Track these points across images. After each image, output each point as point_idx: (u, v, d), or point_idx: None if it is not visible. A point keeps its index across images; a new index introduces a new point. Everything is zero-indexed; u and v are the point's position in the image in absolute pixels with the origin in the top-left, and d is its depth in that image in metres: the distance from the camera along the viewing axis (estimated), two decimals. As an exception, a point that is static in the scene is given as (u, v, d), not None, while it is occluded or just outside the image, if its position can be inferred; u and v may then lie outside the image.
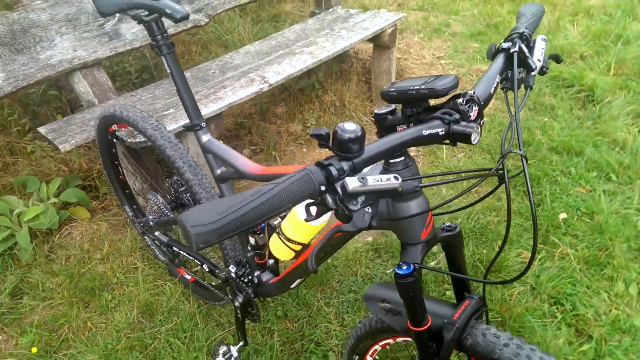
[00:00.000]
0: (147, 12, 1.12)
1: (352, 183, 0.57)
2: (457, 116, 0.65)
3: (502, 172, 0.64)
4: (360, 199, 0.59)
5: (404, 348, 1.57)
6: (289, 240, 1.12)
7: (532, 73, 0.76)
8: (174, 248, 1.63)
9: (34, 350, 1.68)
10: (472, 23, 4.11)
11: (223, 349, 1.51)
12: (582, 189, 2.24)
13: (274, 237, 1.18)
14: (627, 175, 2.26)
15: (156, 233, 1.67)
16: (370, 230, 0.86)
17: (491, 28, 3.96)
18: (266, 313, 1.78)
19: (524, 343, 0.81)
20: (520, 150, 0.62)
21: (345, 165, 0.58)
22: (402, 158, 0.74)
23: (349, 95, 2.95)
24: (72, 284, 1.89)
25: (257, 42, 2.68)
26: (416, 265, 0.79)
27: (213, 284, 1.72)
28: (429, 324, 0.84)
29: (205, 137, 1.26)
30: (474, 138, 0.62)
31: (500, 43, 0.79)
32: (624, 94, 2.84)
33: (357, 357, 1.17)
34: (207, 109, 1.97)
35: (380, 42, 2.83)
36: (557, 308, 1.72)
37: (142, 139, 1.76)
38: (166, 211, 1.64)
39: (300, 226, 1.07)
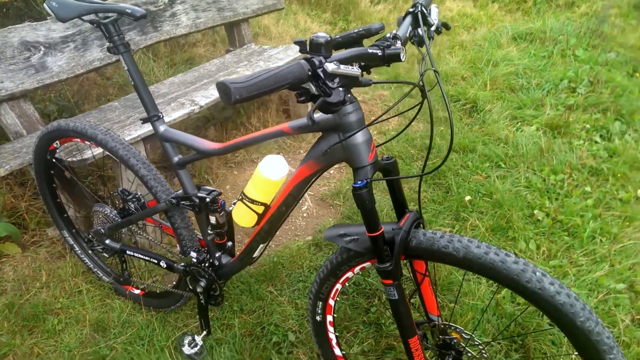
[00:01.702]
0: (104, 16, 1.26)
1: (330, 66, 0.78)
2: (388, 44, 0.90)
3: (422, 85, 0.89)
4: (336, 81, 0.80)
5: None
6: (253, 202, 1.27)
7: (432, 28, 1.05)
8: (128, 252, 1.67)
9: (-25, 385, 1.58)
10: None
11: (188, 339, 1.57)
12: (479, 177, 2.64)
13: (238, 205, 1.32)
14: (512, 162, 2.72)
15: (107, 242, 1.70)
16: (333, 163, 1.06)
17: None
18: (222, 311, 1.85)
19: (454, 236, 1.04)
20: (432, 67, 0.87)
21: (322, 59, 0.80)
22: None
23: (271, 122, 3.18)
24: (12, 314, 1.81)
25: (180, 74, 2.84)
26: (368, 179, 1.00)
27: (168, 288, 1.77)
28: (382, 230, 1.04)
29: (163, 127, 1.39)
30: (402, 56, 0.87)
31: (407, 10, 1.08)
32: (500, 103, 3.41)
33: (320, 303, 1.32)
34: (143, 129, 2.07)
35: (294, 72, 3.14)
36: (476, 266, 2.01)
37: (86, 157, 1.81)
38: (115, 219, 1.69)
39: (263, 184, 1.24)
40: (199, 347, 1.55)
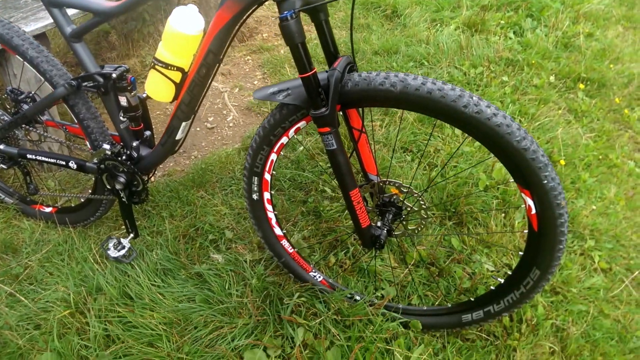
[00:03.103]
0: None
1: None
2: None
3: None
4: None
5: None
6: (167, 66, 1.13)
7: None
8: (29, 156, 1.46)
9: None
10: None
11: (113, 242, 1.44)
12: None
13: (151, 74, 1.17)
14: (435, 60, 2.73)
15: (1, 147, 1.48)
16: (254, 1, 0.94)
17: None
18: (150, 220, 1.72)
19: (391, 72, 0.99)
20: None
21: None
22: None
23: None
24: None
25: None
26: (295, 9, 0.90)
27: (84, 196, 1.60)
28: (314, 70, 0.96)
29: (48, -11, 1.17)
30: None
31: None
32: (418, 7, 3.39)
33: (256, 179, 1.24)
34: (30, 27, 1.78)
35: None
36: (406, 153, 2.03)
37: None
38: (6, 119, 1.47)
39: (177, 41, 1.09)
40: (126, 249, 1.43)
